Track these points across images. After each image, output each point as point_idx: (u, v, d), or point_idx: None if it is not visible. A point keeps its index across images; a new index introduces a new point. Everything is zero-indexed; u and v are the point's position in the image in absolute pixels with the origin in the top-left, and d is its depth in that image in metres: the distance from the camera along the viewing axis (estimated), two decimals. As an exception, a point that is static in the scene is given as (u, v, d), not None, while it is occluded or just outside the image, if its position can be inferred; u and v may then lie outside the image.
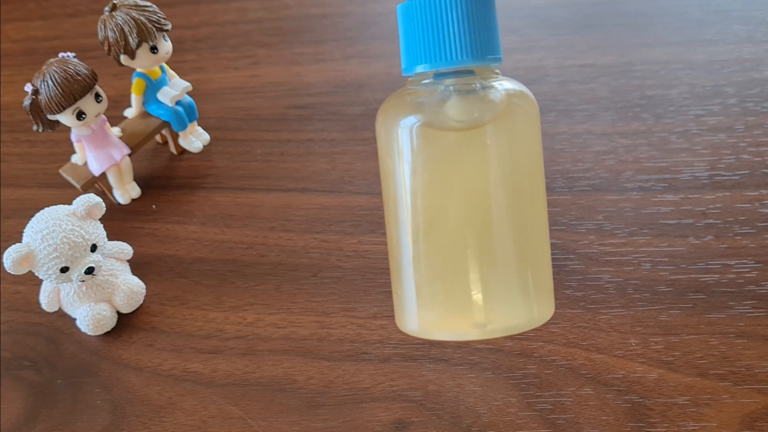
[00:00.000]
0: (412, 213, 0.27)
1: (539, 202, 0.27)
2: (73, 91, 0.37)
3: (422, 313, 0.27)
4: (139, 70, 0.43)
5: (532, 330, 0.35)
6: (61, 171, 0.43)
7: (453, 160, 0.26)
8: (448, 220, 0.27)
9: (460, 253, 0.26)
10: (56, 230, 0.33)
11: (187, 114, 0.44)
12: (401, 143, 0.26)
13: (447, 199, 0.26)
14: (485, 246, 0.26)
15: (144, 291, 0.39)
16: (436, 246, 0.27)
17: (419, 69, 0.26)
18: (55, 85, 0.37)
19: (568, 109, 0.45)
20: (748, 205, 0.39)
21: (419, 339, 0.36)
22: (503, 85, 0.27)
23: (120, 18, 0.39)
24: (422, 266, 0.27)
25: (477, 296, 0.26)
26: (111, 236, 0.37)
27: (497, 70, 0.27)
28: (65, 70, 0.37)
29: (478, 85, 0.26)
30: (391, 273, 0.28)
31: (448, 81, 0.26)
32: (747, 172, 0.40)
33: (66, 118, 0.38)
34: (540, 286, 0.27)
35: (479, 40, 0.25)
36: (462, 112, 0.26)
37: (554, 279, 0.37)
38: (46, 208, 0.35)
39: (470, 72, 0.26)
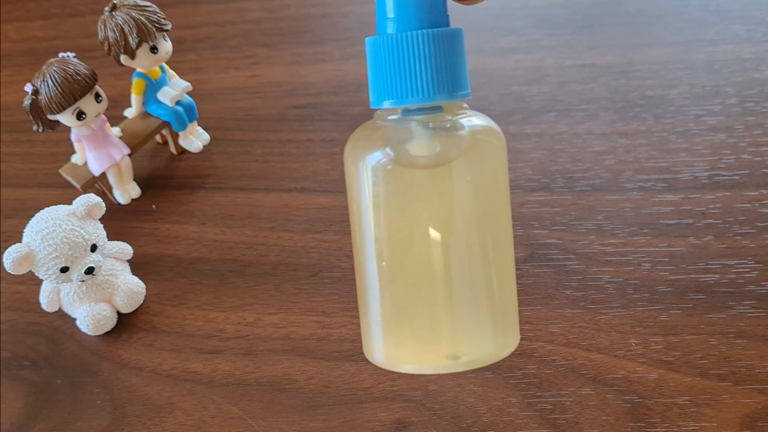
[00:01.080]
0: (376, 247, 0.27)
1: (505, 235, 0.27)
2: (73, 91, 0.37)
3: (388, 345, 0.27)
4: (139, 70, 0.43)
5: (533, 330, 0.35)
6: (61, 171, 0.43)
7: (418, 196, 0.26)
8: (413, 253, 0.27)
9: (426, 287, 0.27)
10: (56, 230, 0.33)
11: (187, 114, 0.44)
12: (368, 179, 0.26)
13: (412, 233, 0.26)
14: (451, 279, 0.26)
15: (144, 291, 0.39)
16: (401, 278, 0.27)
17: (386, 105, 0.26)
18: (55, 85, 0.37)
19: (568, 109, 0.45)
20: (748, 205, 0.39)
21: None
22: (470, 121, 0.27)
23: (120, 18, 0.39)
24: (388, 298, 0.27)
25: (445, 329, 0.27)
26: (111, 236, 0.37)
27: (465, 105, 0.28)
28: (65, 70, 0.37)
29: (445, 122, 0.26)
30: (359, 300, 0.28)
31: (416, 117, 0.26)
32: (747, 172, 0.40)
33: (66, 118, 0.38)
34: (507, 318, 0.28)
35: (447, 77, 0.25)
36: (427, 148, 0.26)
37: (554, 279, 0.37)
38: (46, 208, 0.35)
39: (438, 108, 0.26)
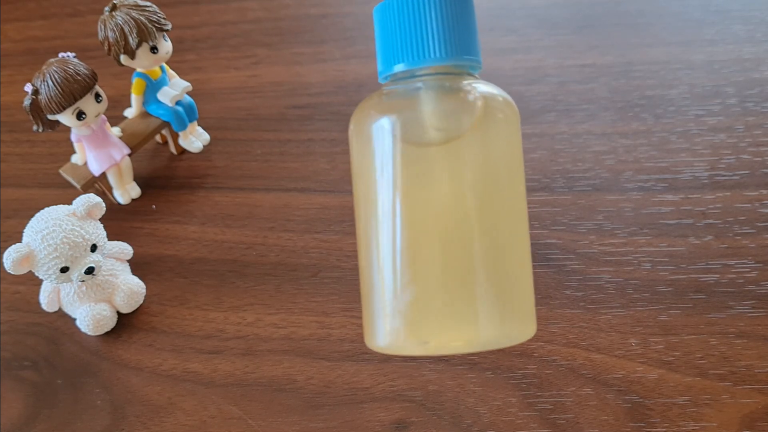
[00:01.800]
0: (383, 227, 0.25)
1: (520, 213, 0.26)
2: (73, 91, 0.37)
3: (395, 327, 0.26)
4: (139, 70, 0.43)
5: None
6: (61, 171, 0.43)
7: (429, 173, 0.24)
8: (424, 233, 0.25)
9: (436, 267, 0.25)
10: (56, 230, 0.33)
11: (187, 114, 0.44)
12: (375, 156, 0.25)
13: (422, 213, 0.25)
14: (463, 260, 0.25)
15: (144, 291, 0.39)
16: (412, 258, 0.25)
17: (396, 68, 0.25)
18: (55, 85, 0.37)
19: (568, 109, 0.45)
20: (748, 205, 0.39)
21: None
22: (482, 88, 0.25)
23: (120, 18, 0.39)
24: (398, 279, 0.25)
25: (456, 309, 0.25)
26: (111, 236, 0.37)
27: (477, 76, 0.26)
28: (65, 70, 0.37)
29: (456, 87, 0.25)
30: (362, 284, 0.27)
31: (426, 79, 0.25)
32: (747, 172, 0.40)
33: (66, 118, 0.38)
34: (521, 303, 0.26)
35: (457, 39, 0.24)
36: (437, 115, 0.25)
37: (554, 279, 0.37)
38: (46, 208, 0.35)
39: (449, 74, 0.25)
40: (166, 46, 0.41)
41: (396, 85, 0.26)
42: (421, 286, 0.25)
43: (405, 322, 0.25)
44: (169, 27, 0.41)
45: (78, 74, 0.37)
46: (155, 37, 0.40)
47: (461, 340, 0.25)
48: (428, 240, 0.25)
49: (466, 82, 0.25)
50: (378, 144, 0.25)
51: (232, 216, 0.42)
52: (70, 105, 0.38)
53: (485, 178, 0.24)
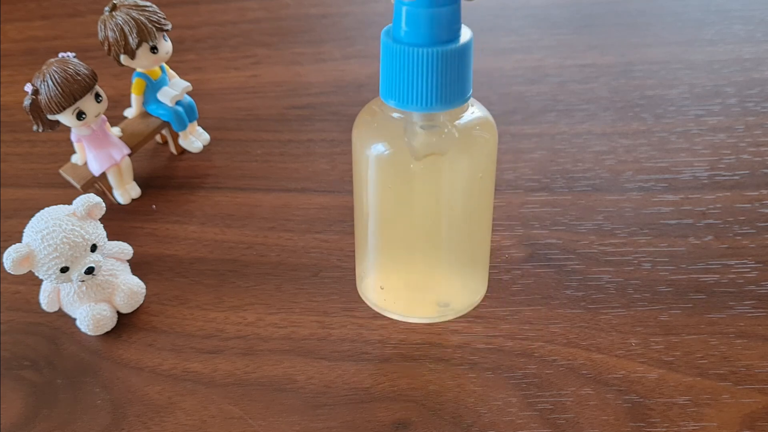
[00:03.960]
0: (374, 212, 0.31)
1: (486, 208, 0.32)
2: (73, 91, 0.37)
3: (380, 291, 0.34)
4: (139, 70, 0.43)
5: (533, 330, 0.35)
6: (61, 171, 0.43)
7: (414, 179, 0.29)
8: (408, 221, 0.31)
9: (415, 250, 0.32)
10: (56, 230, 0.33)
11: (187, 114, 0.44)
12: (369, 162, 0.29)
13: (408, 206, 0.30)
14: (440, 242, 0.32)
15: (144, 291, 0.39)
16: (397, 240, 0.32)
17: (390, 103, 0.28)
18: (55, 85, 0.37)
19: (568, 109, 0.45)
20: (748, 205, 0.39)
21: (419, 339, 0.36)
22: (468, 116, 0.29)
23: (120, 18, 0.39)
24: (382, 257, 0.33)
25: (434, 282, 0.33)
26: (111, 236, 0.37)
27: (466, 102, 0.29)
28: (65, 70, 0.37)
29: (441, 125, 0.28)
30: (356, 248, 0.34)
31: (415, 121, 0.28)
32: (747, 172, 0.40)
33: (66, 118, 0.38)
34: (482, 273, 0.34)
35: (448, 91, 0.26)
36: (421, 145, 0.28)
37: (554, 279, 0.37)
38: (46, 208, 0.35)
39: (437, 114, 0.28)
40: (166, 46, 0.41)
41: (391, 112, 0.29)
42: (402, 266, 0.33)
43: (390, 288, 0.34)
44: (169, 27, 0.41)
45: (78, 74, 0.37)
46: (155, 37, 0.40)
47: (446, 305, 0.33)
48: (408, 227, 0.32)
49: (452, 120, 0.29)
50: (371, 156, 0.29)
51: (232, 216, 0.42)
52: (70, 105, 0.38)
53: (462, 184, 0.30)
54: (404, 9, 0.25)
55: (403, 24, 0.26)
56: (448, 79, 0.26)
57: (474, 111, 0.29)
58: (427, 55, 0.25)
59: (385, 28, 0.27)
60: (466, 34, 0.26)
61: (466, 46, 0.26)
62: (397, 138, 0.29)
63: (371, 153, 0.29)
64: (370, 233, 0.33)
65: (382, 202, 0.31)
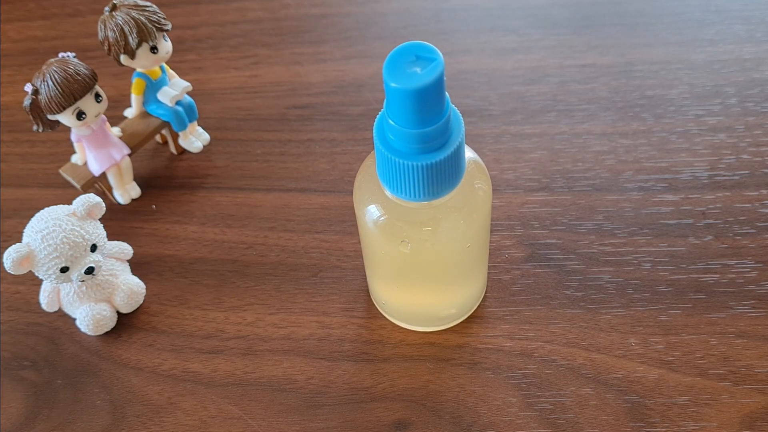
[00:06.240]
0: (370, 259, 0.34)
1: (484, 244, 0.33)
2: (73, 91, 0.37)
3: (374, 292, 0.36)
4: (139, 70, 0.43)
5: (533, 330, 0.35)
6: (61, 171, 0.43)
7: (409, 236, 0.30)
8: (404, 269, 0.32)
9: (414, 284, 0.34)
10: (56, 230, 0.33)
11: (187, 114, 0.44)
12: (367, 220, 0.31)
13: (403, 259, 0.31)
14: (436, 284, 0.34)
15: (144, 291, 0.39)
16: (391, 278, 0.34)
17: (385, 189, 0.29)
18: (55, 85, 0.37)
19: (568, 109, 0.45)
20: (748, 205, 0.39)
21: (419, 339, 0.36)
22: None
23: (120, 18, 0.39)
24: (382, 283, 0.35)
25: (432, 307, 0.35)
26: (111, 236, 0.37)
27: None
28: (65, 70, 0.37)
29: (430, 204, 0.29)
30: (366, 270, 0.36)
31: (404, 203, 0.29)
32: (747, 172, 0.40)
33: (66, 118, 0.38)
34: (482, 282, 0.36)
35: (435, 187, 0.27)
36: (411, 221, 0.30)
37: (554, 279, 0.37)
38: (46, 208, 0.35)
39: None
40: (166, 46, 0.41)
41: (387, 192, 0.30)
42: (387, 285, 0.35)
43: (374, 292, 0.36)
44: (169, 27, 0.41)
45: (78, 74, 0.37)
46: (155, 37, 0.40)
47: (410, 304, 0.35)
48: (399, 275, 0.33)
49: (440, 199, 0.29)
50: (369, 219, 0.31)
51: (232, 216, 0.42)
52: (70, 105, 0.38)
53: (461, 233, 0.30)
54: (390, 122, 0.26)
55: (390, 134, 0.26)
56: (437, 180, 0.27)
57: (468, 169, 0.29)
58: (415, 168, 0.26)
59: (378, 118, 0.27)
60: (456, 134, 0.27)
61: (456, 152, 0.27)
62: (391, 210, 0.30)
63: (368, 213, 0.30)
64: (368, 266, 0.35)
65: (380, 256, 0.32)
